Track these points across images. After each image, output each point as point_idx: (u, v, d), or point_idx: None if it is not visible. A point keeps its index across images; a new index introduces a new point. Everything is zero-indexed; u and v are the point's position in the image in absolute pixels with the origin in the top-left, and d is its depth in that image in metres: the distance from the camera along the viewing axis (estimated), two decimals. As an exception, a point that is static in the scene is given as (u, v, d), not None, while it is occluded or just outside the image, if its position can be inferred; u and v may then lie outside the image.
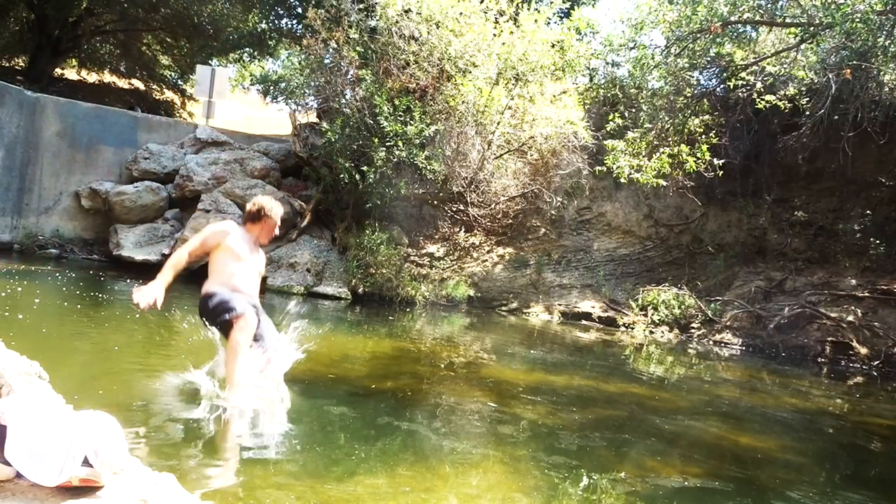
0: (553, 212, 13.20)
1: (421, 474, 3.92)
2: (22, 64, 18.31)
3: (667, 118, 11.11)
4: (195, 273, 11.11)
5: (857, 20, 8.21)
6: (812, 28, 9.25)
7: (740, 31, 11.19)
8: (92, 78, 19.49)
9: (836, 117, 10.72)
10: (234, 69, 21.78)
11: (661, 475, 4.49)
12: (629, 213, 13.61)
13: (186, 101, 19.91)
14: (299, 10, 17.54)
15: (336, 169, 11.74)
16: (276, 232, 4.97)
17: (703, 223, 13.30)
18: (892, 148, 11.44)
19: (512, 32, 12.15)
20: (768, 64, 10.71)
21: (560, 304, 12.39)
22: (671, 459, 4.85)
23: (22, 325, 6.18)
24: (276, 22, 19.18)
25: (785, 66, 10.76)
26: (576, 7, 15.66)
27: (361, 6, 12.28)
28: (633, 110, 12.22)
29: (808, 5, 9.18)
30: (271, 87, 18.93)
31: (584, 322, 11.96)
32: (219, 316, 4.43)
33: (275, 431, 4.33)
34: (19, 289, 8.13)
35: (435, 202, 13.12)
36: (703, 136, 10.90)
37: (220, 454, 3.84)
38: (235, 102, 20.95)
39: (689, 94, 11.26)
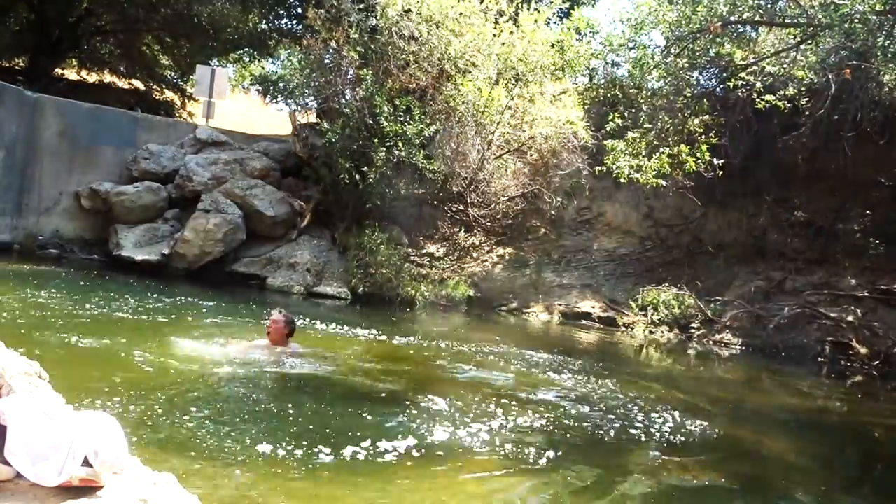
0: (553, 212, 13.20)
1: (422, 475, 3.93)
2: (22, 64, 18.28)
3: (667, 118, 11.11)
4: (194, 274, 11.07)
5: (856, 21, 8.21)
6: (812, 28, 9.25)
7: (740, 31, 11.18)
8: (92, 78, 19.44)
9: (835, 117, 10.72)
10: (233, 69, 21.75)
11: (661, 475, 4.49)
12: (629, 213, 13.60)
13: (186, 101, 19.87)
14: (299, 10, 17.52)
15: (336, 169, 11.74)
16: None
17: (703, 223, 13.29)
18: (891, 148, 11.43)
19: (512, 33, 12.15)
20: (768, 64, 10.70)
21: (560, 304, 12.39)
22: (672, 459, 4.85)
23: (24, 324, 6.18)
24: (276, 22, 19.16)
25: (785, 66, 10.75)
26: (576, 7, 15.64)
27: (361, 6, 12.28)
28: (633, 110, 12.22)
29: (807, 5, 9.18)
30: (271, 87, 18.94)
31: (584, 322, 11.95)
32: None
33: (275, 431, 4.33)
34: (20, 288, 8.12)
35: (435, 202, 13.12)
36: (703, 136, 10.89)
37: (221, 454, 3.84)
38: (235, 102, 20.93)
39: (688, 94, 11.26)
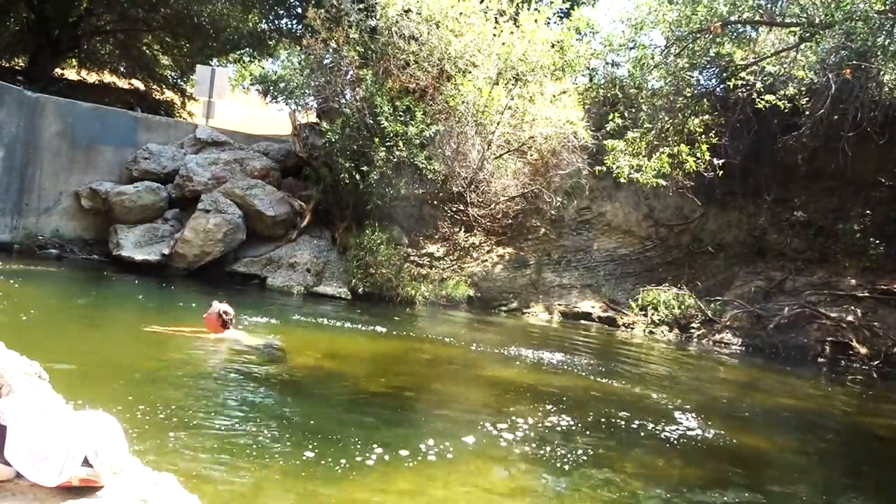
0: (553, 212, 13.19)
1: (422, 474, 3.93)
2: (22, 64, 18.28)
3: (667, 118, 11.11)
4: (194, 274, 11.07)
5: (857, 19, 8.21)
6: (812, 28, 9.24)
7: (740, 30, 11.19)
8: (92, 78, 19.44)
9: (835, 117, 10.72)
10: (233, 69, 21.74)
11: (661, 475, 4.49)
12: (629, 213, 13.61)
13: (186, 101, 19.87)
14: (299, 10, 17.52)
15: (336, 169, 11.74)
16: None
17: (703, 223, 13.29)
18: (891, 148, 11.44)
19: (512, 32, 12.15)
20: (768, 64, 10.70)
21: (560, 304, 12.39)
22: (671, 459, 4.85)
23: (24, 324, 6.18)
24: (276, 22, 19.16)
25: (785, 66, 10.75)
26: (576, 7, 15.64)
27: (361, 6, 12.28)
28: (633, 110, 12.21)
29: (807, 5, 9.18)
30: (271, 87, 18.92)
31: (584, 322, 11.95)
32: None
33: (276, 432, 4.33)
34: (20, 288, 8.12)
35: (435, 202, 13.12)
36: (703, 136, 10.89)
37: (221, 454, 3.84)
38: (235, 102, 20.92)
39: (688, 94, 11.25)
